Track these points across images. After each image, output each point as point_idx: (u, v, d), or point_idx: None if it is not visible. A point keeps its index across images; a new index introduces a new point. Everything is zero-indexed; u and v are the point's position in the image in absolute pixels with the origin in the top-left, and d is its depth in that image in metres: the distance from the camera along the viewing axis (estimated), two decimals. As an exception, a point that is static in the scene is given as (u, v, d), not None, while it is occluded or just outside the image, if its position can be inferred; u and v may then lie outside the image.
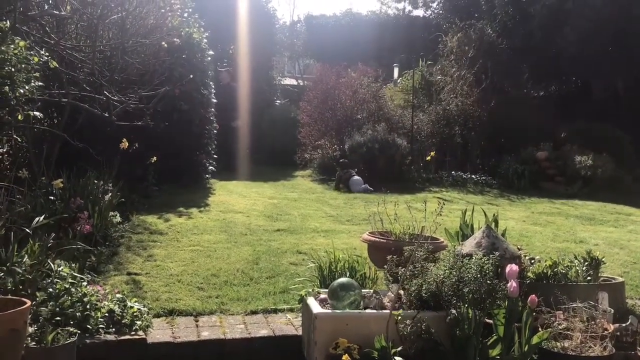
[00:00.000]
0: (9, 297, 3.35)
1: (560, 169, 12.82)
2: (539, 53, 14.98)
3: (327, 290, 3.85)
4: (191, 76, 8.29)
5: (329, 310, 3.63)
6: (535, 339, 3.32)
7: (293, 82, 22.37)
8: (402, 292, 3.75)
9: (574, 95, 16.00)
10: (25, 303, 3.01)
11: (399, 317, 3.43)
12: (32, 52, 4.70)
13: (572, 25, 13.85)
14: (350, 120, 13.63)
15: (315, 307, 3.64)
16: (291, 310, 4.49)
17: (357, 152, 12.11)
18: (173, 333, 3.94)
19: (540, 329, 3.42)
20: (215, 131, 10.15)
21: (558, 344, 3.38)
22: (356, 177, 11.14)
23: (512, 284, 3.39)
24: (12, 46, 4.46)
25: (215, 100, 10.11)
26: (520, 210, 9.61)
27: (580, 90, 16.06)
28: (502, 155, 13.43)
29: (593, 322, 3.46)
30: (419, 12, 24.57)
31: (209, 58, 9.81)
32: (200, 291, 4.77)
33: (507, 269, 3.47)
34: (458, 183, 12.47)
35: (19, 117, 4.83)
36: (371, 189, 10.92)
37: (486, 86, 14.66)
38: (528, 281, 3.98)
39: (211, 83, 10.00)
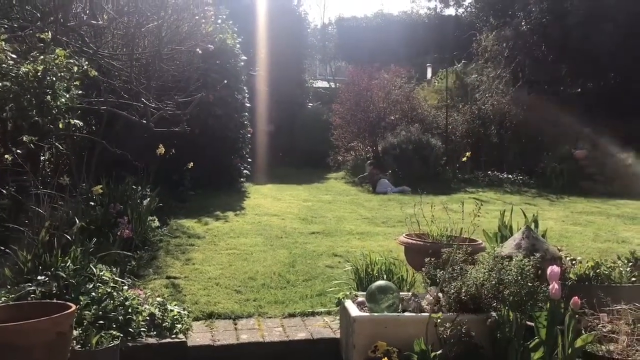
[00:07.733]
0: (55, 301, 3.43)
1: (600, 167, 12.53)
2: (576, 50, 14.66)
3: (364, 293, 3.83)
4: (225, 82, 8.37)
5: (368, 314, 3.61)
6: (579, 342, 3.23)
7: (325, 84, 22.39)
8: (440, 294, 3.71)
9: (613, 92, 15.58)
10: (71, 307, 3.08)
11: (439, 320, 3.39)
12: (72, 61, 4.81)
13: (612, 20, 13.52)
14: (383, 122, 13.59)
15: (354, 310, 3.63)
16: (328, 313, 4.49)
17: (390, 154, 12.07)
18: (212, 336, 3.98)
19: (583, 332, 3.33)
20: (249, 135, 10.25)
21: (603, 347, 3.28)
22: (384, 180, 11.26)
23: (554, 286, 3.31)
24: (53, 56, 4.58)
25: (249, 105, 10.20)
26: (559, 210, 9.42)
27: (620, 88, 15.61)
28: (540, 155, 13.18)
29: (639, 325, 3.36)
30: (451, 11, 24.31)
31: (242, 63, 9.90)
32: (238, 294, 4.81)
33: (549, 270, 3.40)
34: (494, 183, 12.31)
35: (60, 125, 4.93)
36: (408, 189, 10.91)
37: (522, 85, 14.44)
38: (570, 283, 3.89)
39: (244, 88, 10.09)
